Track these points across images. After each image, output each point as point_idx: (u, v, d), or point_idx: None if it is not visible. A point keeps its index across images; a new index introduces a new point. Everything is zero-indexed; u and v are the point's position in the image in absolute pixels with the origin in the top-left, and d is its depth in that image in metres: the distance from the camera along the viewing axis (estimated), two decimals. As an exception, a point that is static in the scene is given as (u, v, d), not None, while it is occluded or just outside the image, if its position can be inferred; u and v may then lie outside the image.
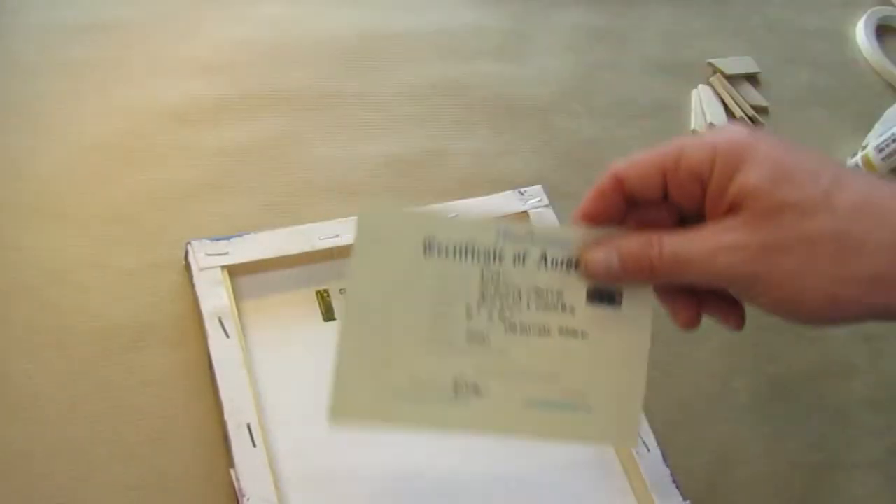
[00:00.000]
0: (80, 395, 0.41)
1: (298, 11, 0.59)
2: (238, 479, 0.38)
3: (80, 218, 0.46)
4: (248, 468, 0.39)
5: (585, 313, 0.42)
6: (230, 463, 0.39)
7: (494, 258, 0.41)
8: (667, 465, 0.45)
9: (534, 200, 0.52)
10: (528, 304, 0.41)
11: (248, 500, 0.38)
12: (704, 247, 0.35)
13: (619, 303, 0.42)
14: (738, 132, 0.35)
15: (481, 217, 0.41)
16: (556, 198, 0.53)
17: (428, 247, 0.40)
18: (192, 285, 0.44)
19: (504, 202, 0.52)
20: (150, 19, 0.55)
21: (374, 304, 0.39)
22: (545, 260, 0.41)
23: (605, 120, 0.62)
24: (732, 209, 0.35)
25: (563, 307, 0.41)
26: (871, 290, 0.33)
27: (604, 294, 0.42)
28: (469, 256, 0.40)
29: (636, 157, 0.37)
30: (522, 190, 0.53)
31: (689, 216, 0.37)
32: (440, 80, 0.59)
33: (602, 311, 0.42)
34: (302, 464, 0.41)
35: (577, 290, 0.42)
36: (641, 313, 0.42)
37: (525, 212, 0.52)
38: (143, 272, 0.45)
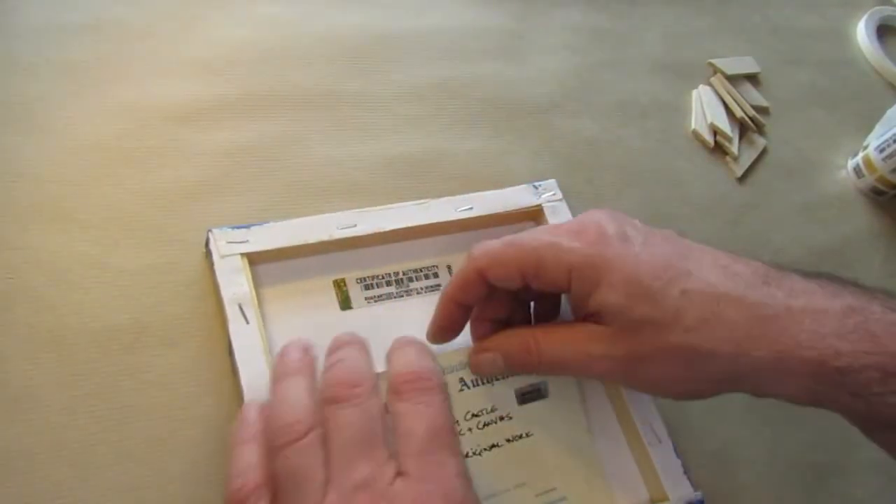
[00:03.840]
0: (79, 395, 0.41)
1: (298, 11, 0.59)
2: None
3: (79, 218, 0.46)
4: None
5: (523, 416, 0.44)
6: None
7: None
8: (678, 456, 0.45)
9: (548, 195, 0.53)
10: (468, 430, 0.43)
11: None
12: (578, 353, 0.40)
13: (547, 395, 0.45)
14: (592, 247, 0.39)
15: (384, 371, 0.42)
16: (556, 198, 0.53)
17: None
18: (213, 273, 0.44)
19: (519, 196, 0.52)
20: (150, 19, 0.55)
21: None
22: (465, 384, 0.44)
23: (605, 120, 0.62)
24: (594, 316, 0.39)
25: (501, 418, 0.44)
26: (721, 386, 0.39)
27: (532, 393, 0.45)
28: None
29: (497, 254, 0.41)
30: (537, 184, 0.53)
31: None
32: (440, 80, 0.59)
33: (536, 408, 0.45)
34: None
35: (507, 399, 0.44)
36: (570, 395, 0.45)
37: (539, 205, 0.52)
38: (144, 272, 0.45)
